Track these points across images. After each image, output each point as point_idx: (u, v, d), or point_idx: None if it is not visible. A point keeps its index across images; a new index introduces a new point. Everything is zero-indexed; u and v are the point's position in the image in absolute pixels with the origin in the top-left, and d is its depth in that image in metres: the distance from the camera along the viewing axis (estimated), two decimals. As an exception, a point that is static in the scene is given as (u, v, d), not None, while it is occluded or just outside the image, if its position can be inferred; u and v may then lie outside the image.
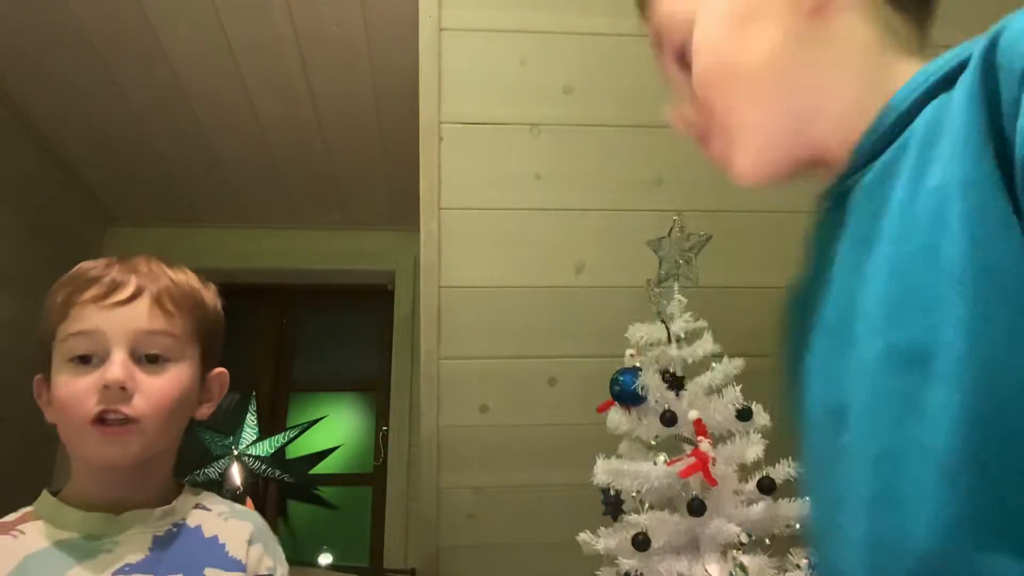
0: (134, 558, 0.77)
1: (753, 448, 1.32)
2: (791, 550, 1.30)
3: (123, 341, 0.80)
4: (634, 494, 1.32)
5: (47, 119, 2.30)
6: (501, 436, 1.87)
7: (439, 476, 1.89)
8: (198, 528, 0.84)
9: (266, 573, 0.85)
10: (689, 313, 1.48)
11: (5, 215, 2.24)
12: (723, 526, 1.25)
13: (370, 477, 2.77)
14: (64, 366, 0.81)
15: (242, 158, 2.45)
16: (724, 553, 1.28)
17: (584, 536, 1.38)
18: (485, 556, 1.95)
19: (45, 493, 0.83)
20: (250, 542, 0.85)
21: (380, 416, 2.83)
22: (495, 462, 1.89)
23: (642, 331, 1.48)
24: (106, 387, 0.78)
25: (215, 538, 0.83)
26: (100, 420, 0.78)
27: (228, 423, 2.55)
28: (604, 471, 1.36)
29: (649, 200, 1.71)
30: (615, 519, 1.40)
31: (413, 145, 1.64)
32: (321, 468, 2.74)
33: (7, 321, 2.23)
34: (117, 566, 0.76)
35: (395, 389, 2.75)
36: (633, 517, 1.30)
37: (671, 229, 1.65)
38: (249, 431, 2.56)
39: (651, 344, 1.47)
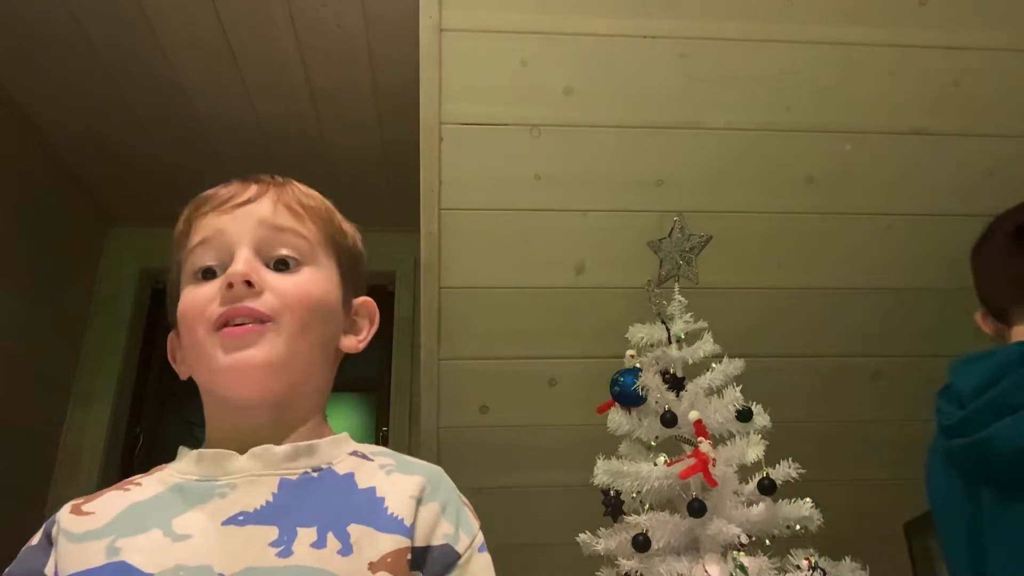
0: (252, 504, 0.61)
1: (753, 449, 1.33)
2: (791, 551, 1.30)
3: (247, 239, 0.68)
4: (634, 495, 1.32)
5: (47, 119, 2.30)
6: (501, 436, 1.87)
7: (439, 476, 1.89)
8: (349, 476, 0.65)
9: (442, 543, 0.62)
10: (689, 313, 1.49)
11: (5, 215, 2.23)
12: (723, 527, 1.25)
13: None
14: (188, 286, 0.69)
15: (242, 158, 2.45)
16: (724, 554, 1.28)
17: (584, 536, 1.38)
18: (485, 556, 1.95)
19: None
20: (420, 500, 0.63)
21: (380, 417, 2.83)
22: (495, 462, 1.89)
23: (642, 332, 1.48)
24: (229, 285, 0.65)
25: (371, 490, 0.64)
26: (225, 324, 0.64)
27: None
28: (604, 472, 1.36)
29: (649, 200, 1.70)
30: (615, 520, 1.40)
31: (413, 145, 1.64)
32: (321, 468, 2.73)
33: (7, 321, 2.23)
34: (230, 513, 0.60)
35: (395, 390, 2.75)
36: (633, 518, 1.30)
37: (671, 230, 1.65)
38: (249, 431, 2.56)
39: (651, 345, 1.47)
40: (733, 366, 1.41)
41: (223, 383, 0.65)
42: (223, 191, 0.72)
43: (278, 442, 0.65)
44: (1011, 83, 1.67)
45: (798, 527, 1.29)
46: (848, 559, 1.32)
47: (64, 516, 0.63)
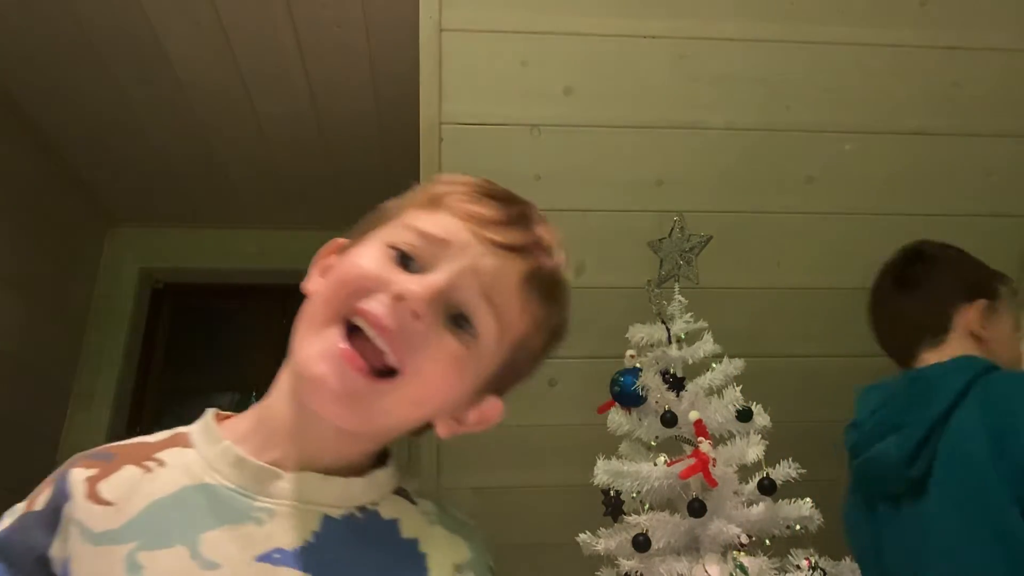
0: (291, 541, 0.54)
1: (753, 449, 1.32)
2: (791, 551, 1.30)
3: (456, 272, 0.57)
4: (634, 495, 1.32)
5: (47, 119, 2.30)
6: (501, 436, 1.86)
7: (439, 477, 1.89)
8: (393, 524, 0.60)
9: None
10: (689, 313, 1.48)
11: (5, 215, 2.24)
12: (723, 527, 1.25)
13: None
14: (378, 245, 0.59)
15: (243, 159, 2.45)
16: (724, 554, 1.28)
17: (584, 537, 1.38)
18: (485, 556, 1.95)
19: (210, 411, 0.62)
20: (459, 569, 0.60)
21: (380, 416, 2.83)
22: (495, 462, 1.88)
23: (642, 332, 1.48)
24: (399, 298, 0.55)
25: (414, 543, 0.59)
26: (353, 326, 0.55)
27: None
28: (604, 472, 1.36)
29: (649, 200, 1.70)
30: (615, 520, 1.40)
31: (413, 145, 1.64)
32: (321, 468, 2.73)
33: (7, 321, 2.23)
34: (266, 548, 0.54)
35: (395, 389, 2.74)
36: (633, 518, 1.30)
37: (671, 229, 1.65)
38: (249, 431, 2.55)
39: (651, 345, 1.47)
40: (733, 366, 1.41)
41: (302, 384, 0.58)
42: (490, 207, 0.61)
43: (334, 462, 0.59)
44: (1011, 83, 1.67)
45: (798, 527, 1.29)
46: (848, 559, 1.32)
47: (79, 496, 0.56)
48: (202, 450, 0.59)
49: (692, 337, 1.46)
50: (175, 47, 2.03)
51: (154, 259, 2.77)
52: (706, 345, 1.43)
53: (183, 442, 0.60)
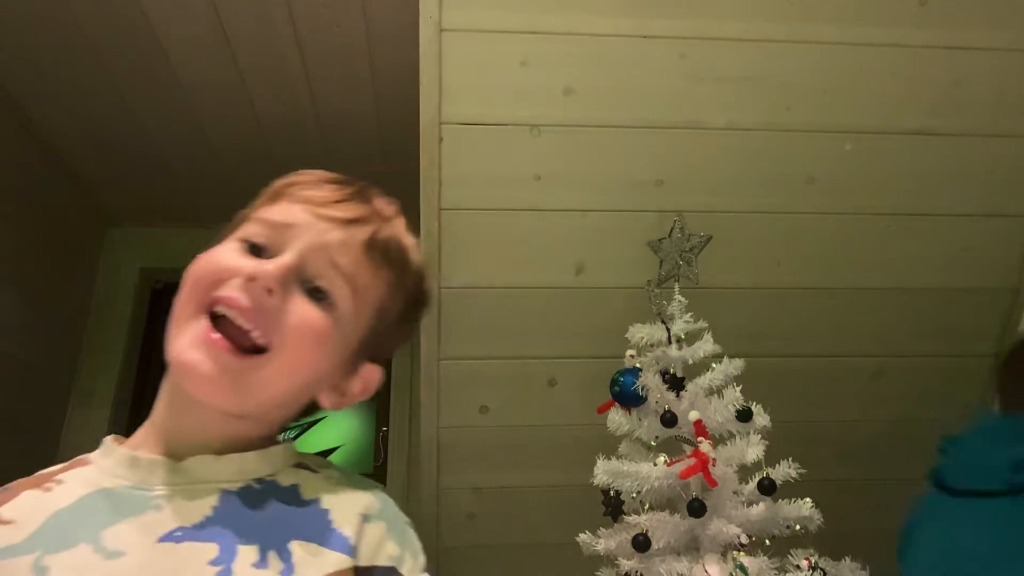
0: (191, 518, 0.56)
1: (753, 449, 1.32)
2: (791, 551, 1.30)
3: (304, 249, 0.62)
4: (634, 495, 1.32)
5: (47, 119, 2.30)
6: (501, 436, 1.87)
7: (439, 477, 1.89)
8: (293, 488, 0.61)
9: (388, 565, 0.58)
10: (689, 313, 1.49)
11: (5, 215, 2.23)
12: (723, 527, 1.25)
13: (370, 477, 2.76)
14: (230, 242, 0.65)
15: (242, 158, 2.45)
16: (724, 554, 1.28)
17: (584, 536, 1.38)
18: (485, 556, 1.95)
19: (108, 437, 0.64)
20: (366, 518, 0.60)
21: (380, 416, 2.83)
22: (495, 462, 1.89)
23: (642, 332, 1.48)
24: (251, 279, 0.59)
25: (316, 503, 0.60)
26: (216, 316, 0.59)
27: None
28: (604, 472, 1.36)
29: (649, 200, 1.71)
30: (615, 520, 1.40)
31: (413, 145, 1.64)
32: (321, 468, 2.73)
33: (7, 321, 2.23)
34: (166, 528, 0.55)
35: (395, 390, 2.75)
36: (633, 518, 1.30)
37: (671, 229, 1.65)
38: (249, 431, 2.56)
39: (651, 345, 1.47)
40: (733, 366, 1.41)
41: (180, 376, 0.60)
42: (327, 190, 0.67)
43: (223, 446, 0.61)
44: (1011, 83, 1.67)
45: (798, 527, 1.29)
46: (848, 559, 1.32)
47: None
48: (99, 463, 0.62)
49: (692, 337, 1.46)
50: (175, 47, 2.02)
51: (154, 259, 2.77)
52: (706, 345, 1.43)
53: (83, 464, 0.63)
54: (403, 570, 0.59)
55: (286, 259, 0.61)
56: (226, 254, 0.63)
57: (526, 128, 1.64)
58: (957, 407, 1.89)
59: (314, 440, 2.77)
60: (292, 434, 2.65)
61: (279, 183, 0.69)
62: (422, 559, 0.62)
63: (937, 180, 1.74)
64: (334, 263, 0.63)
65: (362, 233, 0.65)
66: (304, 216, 0.64)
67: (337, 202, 0.66)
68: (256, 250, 0.63)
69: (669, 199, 1.70)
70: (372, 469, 2.76)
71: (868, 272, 1.81)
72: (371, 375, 0.70)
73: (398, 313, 0.69)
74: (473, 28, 1.56)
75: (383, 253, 0.66)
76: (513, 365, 1.81)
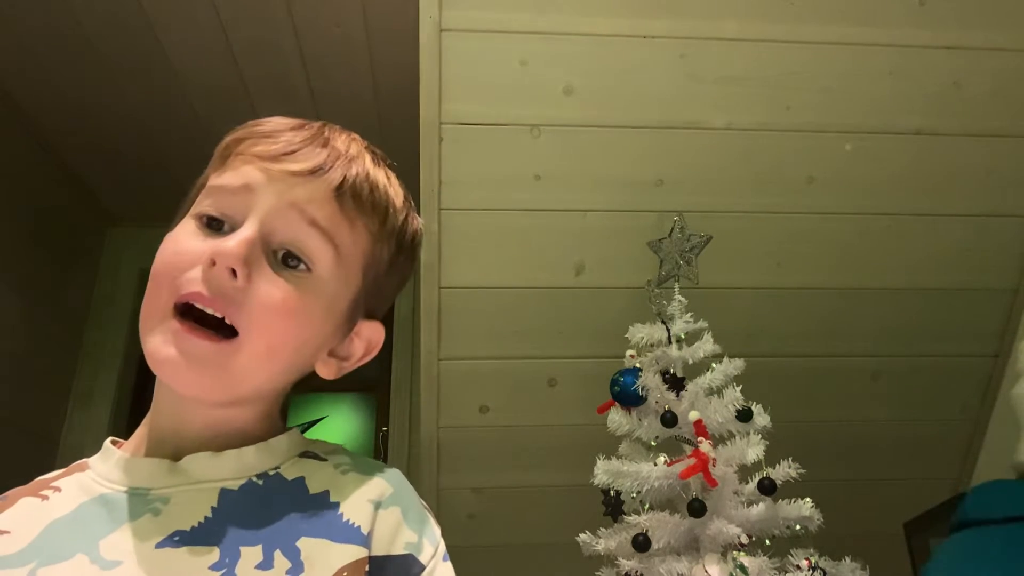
0: (189, 521, 0.53)
1: (753, 449, 1.32)
2: (791, 551, 1.30)
3: (266, 214, 0.57)
4: (634, 495, 1.32)
5: (47, 119, 2.30)
6: (501, 436, 1.87)
7: (439, 477, 1.89)
8: (299, 481, 0.58)
9: (404, 553, 0.55)
10: (689, 313, 1.49)
11: (5, 215, 2.24)
12: (723, 527, 1.25)
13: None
14: (186, 221, 0.59)
15: (242, 158, 2.45)
16: (724, 554, 1.28)
17: (584, 536, 1.38)
18: (485, 556, 1.95)
19: (108, 439, 0.62)
20: (379, 504, 0.56)
21: (380, 417, 2.83)
22: (495, 462, 1.89)
23: (642, 332, 1.48)
24: (211, 264, 0.54)
25: (324, 495, 0.56)
26: (185, 309, 0.55)
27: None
28: (604, 471, 1.36)
29: (649, 200, 1.71)
30: (615, 520, 1.40)
31: (413, 145, 1.64)
32: (321, 468, 2.73)
33: (7, 321, 2.23)
34: (164, 533, 0.53)
35: (395, 390, 2.75)
36: (633, 518, 1.30)
37: (671, 229, 1.65)
38: (249, 431, 2.55)
39: (651, 345, 1.47)
40: (733, 366, 1.41)
41: (160, 373, 0.57)
42: (280, 139, 0.60)
43: (221, 440, 0.58)
44: (1011, 83, 1.67)
45: (798, 527, 1.29)
46: (848, 559, 1.32)
47: None
48: (97, 468, 0.59)
49: (692, 337, 1.46)
50: (175, 47, 2.03)
51: (154, 259, 2.77)
52: (706, 345, 1.43)
53: (81, 468, 0.60)
54: (421, 558, 0.56)
55: (245, 232, 0.56)
56: (183, 238, 0.58)
57: (526, 128, 1.64)
58: (957, 407, 1.90)
59: (314, 440, 2.77)
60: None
61: (226, 139, 0.63)
62: (442, 545, 0.58)
63: (937, 180, 1.74)
64: (309, 221, 0.57)
65: (327, 183, 0.59)
66: (259, 176, 0.58)
67: (293, 152, 0.59)
68: (216, 223, 0.58)
69: (669, 199, 1.70)
70: (372, 469, 2.76)
71: (868, 272, 1.81)
72: (372, 333, 0.65)
73: (389, 259, 0.64)
74: (473, 28, 1.56)
75: (355, 199, 0.60)
76: (513, 365, 1.81)
